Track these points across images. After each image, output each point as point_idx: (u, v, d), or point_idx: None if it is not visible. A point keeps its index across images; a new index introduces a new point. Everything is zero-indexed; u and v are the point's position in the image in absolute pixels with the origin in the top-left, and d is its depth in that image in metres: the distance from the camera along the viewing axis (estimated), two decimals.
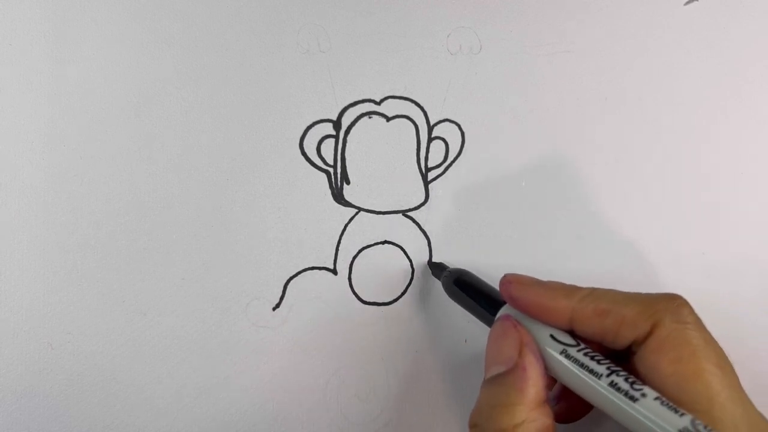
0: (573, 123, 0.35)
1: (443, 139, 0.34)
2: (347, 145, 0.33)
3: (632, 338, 0.24)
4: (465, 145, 0.34)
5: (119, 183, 0.31)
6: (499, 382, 0.24)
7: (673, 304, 0.24)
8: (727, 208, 0.37)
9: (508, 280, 0.27)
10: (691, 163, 0.37)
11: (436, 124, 0.34)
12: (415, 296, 0.35)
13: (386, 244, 0.34)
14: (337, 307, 0.34)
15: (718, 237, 0.37)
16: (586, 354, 0.24)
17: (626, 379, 0.22)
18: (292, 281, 0.33)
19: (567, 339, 0.25)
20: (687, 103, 0.36)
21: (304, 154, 0.33)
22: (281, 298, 0.33)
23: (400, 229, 0.34)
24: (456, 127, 0.34)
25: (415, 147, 0.34)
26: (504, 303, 0.28)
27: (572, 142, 0.36)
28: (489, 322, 0.28)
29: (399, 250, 0.34)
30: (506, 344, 0.25)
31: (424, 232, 0.35)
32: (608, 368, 0.23)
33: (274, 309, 0.33)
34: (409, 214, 0.34)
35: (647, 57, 0.36)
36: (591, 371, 0.23)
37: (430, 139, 0.34)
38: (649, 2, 0.36)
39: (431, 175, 0.34)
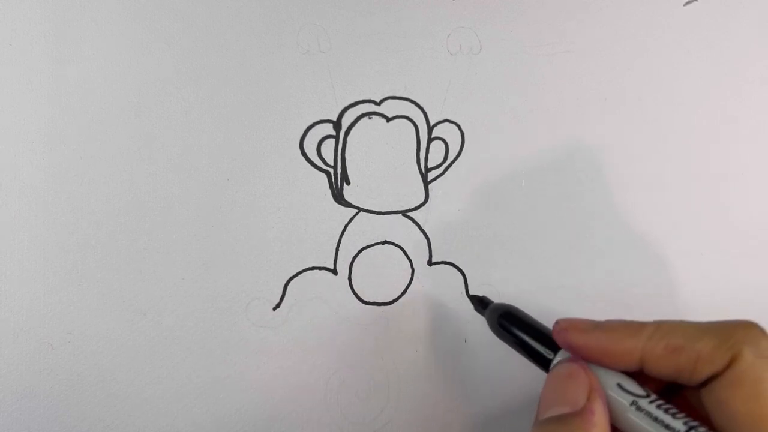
0: (573, 123, 0.35)
1: (443, 140, 0.34)
2: (347, 145, 0.33)
3: (710, 374, 0.22)
4: (465, 145, 0.34)
5: (119, 183, 0.31)
6: (563, 421, 0.23)
7: (752, 334, 0.22)
8: (727, 208, 0.37)
9: (562, 327, 0.25)
10: (691, 163, 0.37)
11: (436, 124, 0.34)
12: (415, 296, 0.35)
13: (386, 244, 0.34)
14: (337, 307, 0.34)
15: (718, 237, 0.37)
16: (659, 406, 0.22)
17: None
18: (292, 281, 0.33)
19: (636, 388, 0.23)
20: (687, 103, 0.36)
21: (304, 154, 0.33)
22: (281, 298, 0.33)
23: (400, 229, 0.34)
24: (456, 128, 0.34)
25: (415, 147, 0.34)
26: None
27: (572, 142, 0.36)
28: (542, 364, 0.26)
29: (399, 250, 0.34)
30: (573, 386, 0.23)
31: (424, 232, 0.35)
32: (685, 423, 0.21)
33: (274, 309, 0.33)
34: (409, 214, 0.34)
35: (647, 57, 0.36)
36: (666, 426, 0.22)
37: (430, 140, 0.34)
38: (649, 2, 0.36)
39: (431, 175, 0.34)
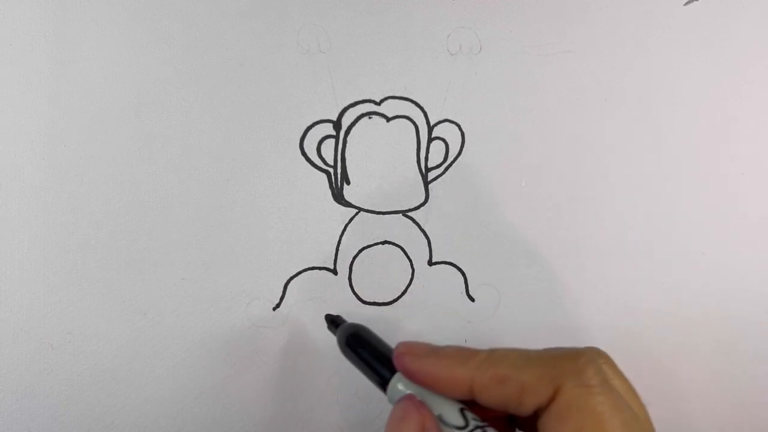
0: (573, 123, 0.35)
1: (443, 140, 0.34)
2: (347, 145, 0.33)
3: (536, 405, 0.22)
4: (465, 145, 0.34)
5: (119, 183, 0.31)
6: None
7: (576, 364, 0.22)
8: (727, 208, 0.37)
9: (401, 351, 0.24)
10: (691, 163, 0.37)
11: (436, 124, 0.34)
12: (415, 296, 0.35)
13: (386, 244, 0.34)
14: (337, 307, 0.34)
15: (718, 237, 0.37)
16: None
17: None
18: (292, 281, 0.33)
19: (457, 419, 0.23)
20: (687, 103, 0.36)
21: (304, 154, 0.33)
22: (281, 298, 0.33)
23: (400, 229, 0.34)
24: (456, 127, 0.34)
25: (415, 147, 0.34)
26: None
27: (572, 142, 0.36)
28: (384, 388, 0.26)
29: (399, 250, 0.34)
30: (406, 427, 0.23)
31: (424, 232, 0.35)
32: None
33: (274, 309, 0.33)
34: (409, 214, 0.34)
35: (647, 57, 0.36)
36: None
37: (430, 140, 0.34)
38: (649, 2, 0.36)
39: (431, 175, 0.34)
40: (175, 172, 0.32)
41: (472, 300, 0.35)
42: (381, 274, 0.34)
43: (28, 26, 0.30)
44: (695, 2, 0.36)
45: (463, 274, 0.35)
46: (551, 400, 0.21)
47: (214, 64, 0.32)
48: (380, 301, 0.34)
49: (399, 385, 0.25)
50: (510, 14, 0.35)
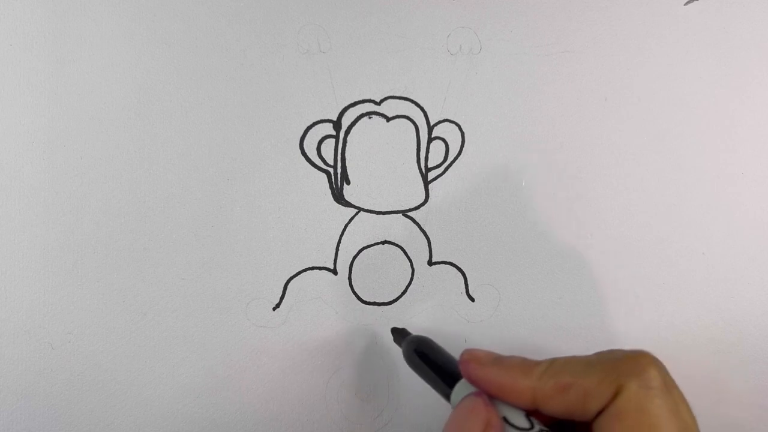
0: (573, 123, 0.35)
1: (443, 140, 0.34)
2: (347, 145, 0.33)
3: (598, 408, 0.22)
4: (465, 145, 0.34)
5: (119, 183, 0.31)
6: None
7: (638, 366, 0.22)
8: (727, 208, 0.37)
9: (466, 358, 0.25)
10: (691, 163, 0.37)
11: (436, 124, 0.34)
12: (415, 296, 0.35)
13: (386, 244, 0.34)
14: (337, 307, 0.34)
15: (718, 237, 0.37)
16: None
17: None
18: (292, 281, 0.33)
19: (522, 422, 0.23)
20: (687, 103, 0.36)
21: (304, 154, 0.33)
22: (281, 298, 0.33)
23: (400, 229, 0.34)
24: (456, 127, 0.34)
25: (415, 147, 0.34)
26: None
27: (572, 142, 0.36)
28: (447, 396, 0.27)
29: (399, 250, 0.34)
30: (471, 420, 0.23)
31: (424, 232, 0.35)
32: None
33: (274, 309, 0.33)
34: (409, 214, 0.34)
35: (647, 57, 0.36)
36: None
37: (430, 140, 0.34)
38: (649, 2, 0.36)
39: (431, 175, 0.34)
40: (175, 172, 0.32)
41: (472, 300, 0.35)
42: (381, 274, 0.34)
43: (28, 26, 0.30)
44: (695, 2, 0.36)
45: (463, 274, 0.35)
46: (611, 400, 0.21)
47: (214, 64, 0.32)
48: (380, 301, 0.34)
49: (464, 391, 0.25)
50: (510, 14, 0.35)
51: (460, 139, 0.34)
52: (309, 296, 0.34)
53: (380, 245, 0.34)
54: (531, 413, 0.24)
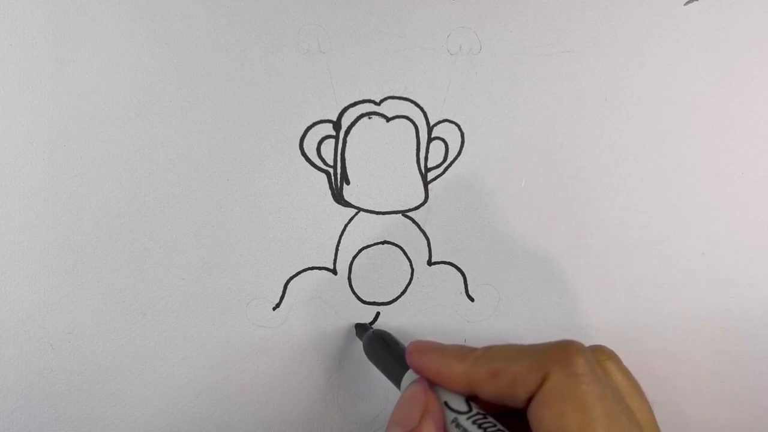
0: (573, 123, 0.35)
1: (443, 140, 0.34)
2: (347, 145, 0.33)
3: (527, 394, 0.22)
4: (464, 145, 0.34)
5: (119, 183, 0.31)
6: None
7: (563, 353, 0.22)
8: (727, 208, 0.37)
9: (410, 349, 0.26)
10: (691, 163, 0.37)
11: (435, 124, 0.34)
12: (415, 296, 0.35)
13: (386, 244, 0.34)
14: (336, 306, 0.34)
15: (718, 237, 0.37)
16: (474, 422, 0.23)
17: None
18: (292, 281, 0.33)
19: (461, 405, 0.24)
20: (687, 103, 0.36)
21: (304, 154, 0.33)
22: (281, 298, 0.33)
23: (399, 229, 0.34)
24: (456, 128, 0.34)
25: (415, 147, 0.34)
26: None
27: (572, 142, 0.36)
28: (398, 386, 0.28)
29: (399, 250, 0.34)
30: (411, 407, 0.24)
31: (424, 232, 0.35)
32: None
33: (274, 309, 0.33)
34: (408, 214, 0.34)
35: (647, 57, 0.36)
36: None
37: (429, 140, 0.34)
38: (649, 2, 0.36)
39: (431, 175, 0.34)
40: (175, 172, 0.32)
41: (472, 300, 0.35)
42: (380, 274, 0.34)
43: (28, 26, 0.30)
44: (695, 2, 0.36)
45: (463, 274, 0.35)
46: (539, 388, 0.22)
47: (214, 64, 0.32)
48: (380, 300, 0.34)
49: (410, 380, 0.26)
50: (510, 14, 0.34)
51: (460, 140, 0.34)
52: (309, 296, 0.34)
53: (380, 245, 0.34)
54: (472, 399, 0.24)
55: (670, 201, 0.37)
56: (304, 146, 0.33)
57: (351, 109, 0.33)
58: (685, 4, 0.36)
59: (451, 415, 0.24)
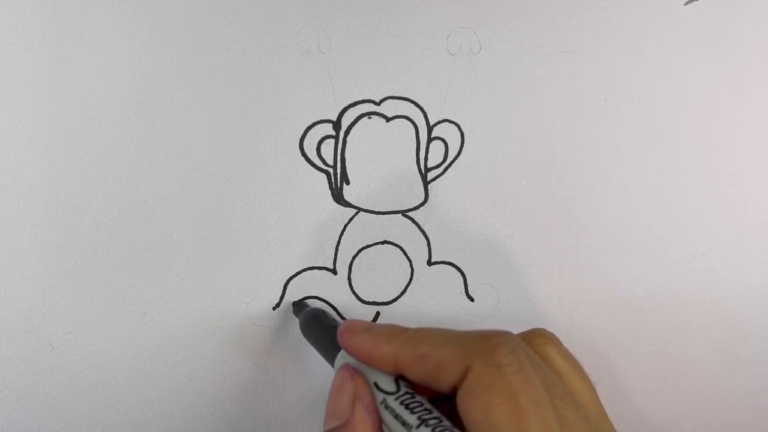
0: (573, 123, 0.35)
1: (443, 140, 0.34)
2: (347, 145, 0.33)
3: (450, 383, 0.22)
4: (465, 145, 0.34)
5: (119, 183, 0.31)
6: None
7: (487, 344, 0.22)
8: (727, 208, 0.37)
9: (341, 329, 0.26)
10: (691, 163, 0.37)
11: (435, 124, 0.34)
12: (415, 296, 0.35)
13: (386, 244, 0.34)
14: (336, 306, 0.34)
15: (718, 237, 0.37)
16: (402, 402, 0.23)
17: (434, 430, 0.21)
18: (292, 281, 0.33)
19: (390, 386, 0.24)
20: (687, 103, 0.36)
21: (303, 154, 0.33)
22: (281, 298, 0.33)
23: (399, 229, 0.34)
24: (455, 128, 0.34)
25: (415, 147, 0.34)
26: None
27: (572, 142, 0.36)
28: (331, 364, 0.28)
29: (398, 250, 0.34)
30: (341, 396, 0.24)
31: (424, 232, 0.35)
32: (419, 417, 0.22)
33: (274, 309, 0.33)
34: (408, 214, 0.34)
35: (647, 57, 0.36)
36: (403, 422, 0.22)
37: (429, 140, 0.34)
38: (649, 2, 0.36)
39: (431, 175, 0.34)
40: (175, 172, 0.32)
41: (472, 300, 0.35)
42: (380, 273, 0.34)
43: (28, 26, 0.30)
44: (695, 2, 0.36)
45: (463, 274, 0.35)
46: (463, 378, 0.22)
47: (214, 64, 0.32)
48: (379, 300, 0.34)
49: (342, 360, 0.26)
50: (510, 14, 0.35)
51: (460, 140, 0.34)
52: (309, 296, 0.34)
53: (380, 245, 0.34)
54: (403, 378, 0.24)
55: (670, 201, 0.37)
56: (304, 146, 0.33)
57: (351, 109, 0.33)
58: (685, 4, 0.36)
59: (380, 396, 0.24)
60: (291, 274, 0.33)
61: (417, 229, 0.34)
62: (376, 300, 0.34)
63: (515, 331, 0.36)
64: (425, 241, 0.35)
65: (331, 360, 0.27)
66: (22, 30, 0.30)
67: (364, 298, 0.34)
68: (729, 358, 0.38)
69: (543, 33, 0.35)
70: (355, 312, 0.34)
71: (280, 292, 0.33)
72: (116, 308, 0.32)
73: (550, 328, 0.36)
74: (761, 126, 0.37)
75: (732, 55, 0.37)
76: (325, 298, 0.34)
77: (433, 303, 0.35)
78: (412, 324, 0.34)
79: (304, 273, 0.33)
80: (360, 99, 0.33)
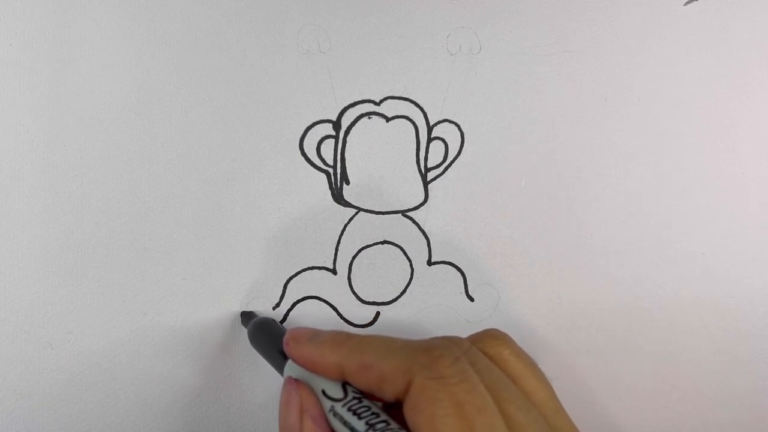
0: (573, 123, 0.35)
1: (443, 140, 0.34)
2: (347, 145, 0.33)
3: (394, 394, 0.22)
4: (465, 145, 0.35)
5: (119, 183, 0.31)
6: None
7: (429, 356, 0.22)
8: (727, 208, 0.37)
9: (286, 338, 0.26)
10: (691, 163, 0.37)
11: (435, 124, 0.34)
12: (415, 296, 0.35)
13: (386, 244, 0.34)
14: (336, 306, 0.34)
15: (718, 237, 0.37)
16: (350, 408, 0.23)
17: None
18: (292, 281, 0.33)
19: (337, 392, 0.24)
20: (687, 103, 0.36)
21: (303, 154, 0.33)
22: (281, 298, 0.33)
23: (399, 229, 0.34)
24: (455, 128, 0.34)
25: (415, 147, 0.34)
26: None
27: (572, 142, 0.36)
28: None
29: (398, 250, 0.34)
30: (289, 413, 0.24)
31: (424, 232, 0.35)
32: (367, 423, 0.22)
33: (274, 309, 0.33)
34: (408, 214, 0.34)
35: (647, 57, 0.36)
36: (351, 428, 0.22)
37: (429, 140, 0.34)
38: (649, 2, 0.36)
39: (431, 175, 0.34)
40: (175, 172, 0.32)
41: (472, 300, 0.35)
42: (380, 273, 0.34)
43: (28, 26, 0.30)
44: (695, 2, 0.36)
45: (463, 274, 0.35)
46: (406, 391, 0.22)
47: (214, 64, 0.32)
48: (379, 300, 0.34)
49: (289, 370, 0.26)
50: (510, 14, 0.35)
51: (460, 140, 0.34)
52: (308, 296, 0.34)
53: (380, 245, 0.34)
54: (350, 384, 0.24)
55: (670, 201, 0.37)
56: (304, 146, 0.33)
57: (351, 109, 0.33)
58: (685, 4, 0.36)
59: (328, 404, 0.23)
60: (291, 274, 0.33)
61: (417, 229, 0.34)
62: (376, 300, 0.34)
63: (515, 332, 0.36)
64: (425, 241, 0.35)
65: (280, 369, 0.27)
66: (22, 30, 0.30)
67: (364, 298, 0.34)
68: (729, 358, 0.38)
69: (543, 33, 0.35)
70: (355, 312, 0.34)
71: (280, 292, 0.33)
72: (116, 308, 0.32)
73: (550, 328, 0.36)
74: (761, 126, 0.37)
75: (732, 55, 0.37)
76: (324, 298, 0.34)
77: (433, 303, 0.35)
78: (411, 324, 0.35)
79: (303, 273, 0.33)
80: (360, 99, 0.33)
